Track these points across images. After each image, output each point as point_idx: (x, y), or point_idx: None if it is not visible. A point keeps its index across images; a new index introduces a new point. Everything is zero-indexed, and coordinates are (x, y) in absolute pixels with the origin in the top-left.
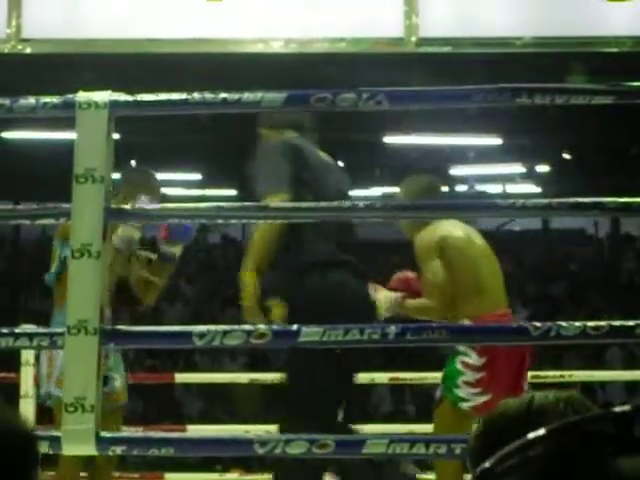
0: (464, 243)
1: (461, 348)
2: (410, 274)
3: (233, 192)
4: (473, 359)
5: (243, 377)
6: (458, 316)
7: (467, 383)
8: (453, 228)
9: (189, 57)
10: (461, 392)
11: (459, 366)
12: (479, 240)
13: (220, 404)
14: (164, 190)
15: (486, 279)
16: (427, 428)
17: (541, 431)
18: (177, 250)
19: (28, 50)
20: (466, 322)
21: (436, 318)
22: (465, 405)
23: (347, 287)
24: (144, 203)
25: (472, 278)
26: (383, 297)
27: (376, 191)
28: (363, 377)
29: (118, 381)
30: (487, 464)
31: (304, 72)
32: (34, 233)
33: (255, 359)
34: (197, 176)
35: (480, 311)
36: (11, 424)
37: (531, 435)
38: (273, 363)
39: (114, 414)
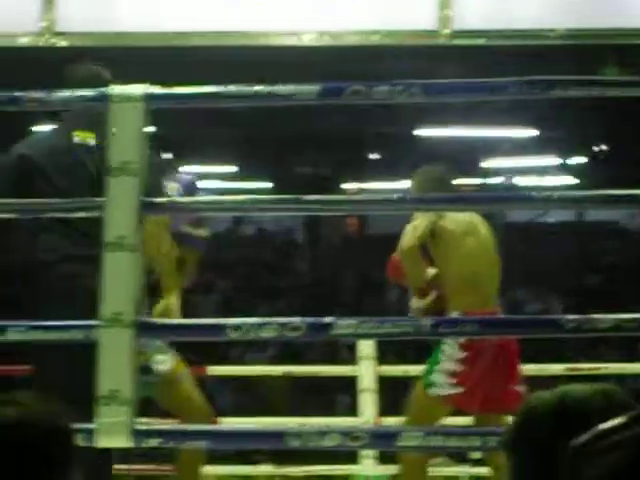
0: (459, 231)
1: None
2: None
3: (268, 185)
4: (454, 351)
5: (277, 370)
6: (448, 309)
7: (445, 372)
8: (455, 215)
9: (222, 50)
10: (436, 378)
11: (440, 354)
12: (483, 232)
13: (251, 397)
14: (200, 183)
15: (480, 273)
16: (460, 421)
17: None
18: (202, 233)
19: (62, 43)
20: (455, 315)
21: (412, 280)
22: (434, 391)
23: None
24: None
25: (465, 272)
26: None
27: (408, 184)
28: (396, 370)
29: (165, 364)
30: (581, 440)
31: (337, 65)
32: None
33: (283, 352)
34: (232, 168)
35: (470, 307)
36: (48, 418)
37: (628, 415)
38: (303, 356)
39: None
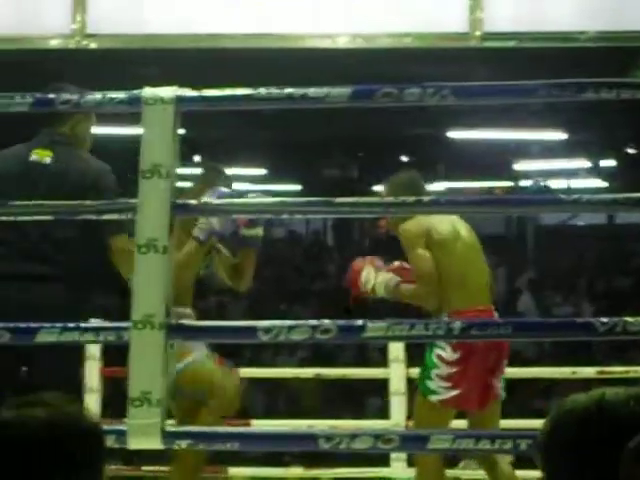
0: (449, 236)
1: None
2: (406, 265)
3: (297, 187)
4: (448, 353)
5: (308, 372)
6: (441, 310)
7: (439, 376)
8: (439, 221)
9: (254, 52)
10: (432, 384)
11: (434, 359)
12: (466, 234)
13: (282, 399)
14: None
15: (469, 274)
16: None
17: None
18: (258, 232)
19: (93, 45)
20: (445, 317)
21: (427, 304)
22: (434, 398)
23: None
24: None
25: (455, 272)
26: (382, 278)
27: (440, 186)
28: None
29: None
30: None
31: (369, 67)
32: None
33: (315, 354)
34: (262, 171)
35: (461, 306)
36: (77, 418)
37: None
38: (333, 358)
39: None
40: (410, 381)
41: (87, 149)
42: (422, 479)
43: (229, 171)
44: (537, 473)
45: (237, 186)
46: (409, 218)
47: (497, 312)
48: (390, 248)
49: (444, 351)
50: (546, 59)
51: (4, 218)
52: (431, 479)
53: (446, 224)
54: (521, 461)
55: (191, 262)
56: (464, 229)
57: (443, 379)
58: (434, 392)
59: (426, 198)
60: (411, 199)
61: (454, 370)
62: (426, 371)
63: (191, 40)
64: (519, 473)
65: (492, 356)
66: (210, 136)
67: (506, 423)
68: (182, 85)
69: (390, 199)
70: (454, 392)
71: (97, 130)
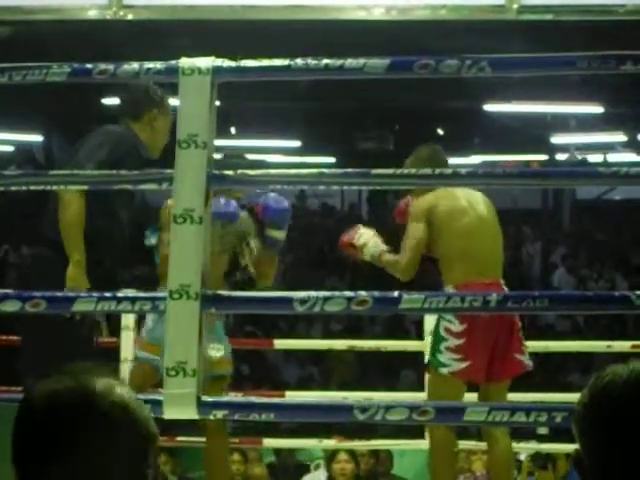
0: (453, 211)
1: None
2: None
3: (331, 159)
4: (455, 325)
5: (340, 344)
6: (445, 283)
7: (448, 349)
8: (446, 196)
9: (289, 24)
10: (442, 357)
11: (442, 332)
12: (479, 210)
13: (316, 370)
14: (264, 157)
15: (474, 248)
16: (525, 397)
17: None
18: (282, 235)
19: (129, 17)
20: (450, 289)
21: (400, 276)
22: (445, 370)
23: None
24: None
25: (458, 246)
26: (373, 242)
27: (476, 159)
28: None
29: (221, 351)
30: None
31: (404, 39)
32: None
33: (349, 326)
34: (296, 143)
35: (464, 279)
36: (111, 387)
37: None
38: (367, 330)
39: (214, 383)
40: None
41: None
42: (435, 451)
43: (262, 143)
44: (573, 446)
45: (271, 158)
46: (427, 191)
47: (529, 286)
48: None
49: (452, 324)
50: (583, 32)
51: (49, 187)
52: (443, 451)
53: (453, 199)
54: (558, 434)
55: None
56: (479, 205)
57: (452, 351)
58: (444, 365)
59: (463, 170)
60: (448, 171)
61: (462, 341)
62: (436, 344)
63: (226, 12)
64: (555, 446)
65: (495, 330)
66: (244, 107)
67: (541, 396)
68: (218, 56)
69: (427, 171)
70: (464, 364)
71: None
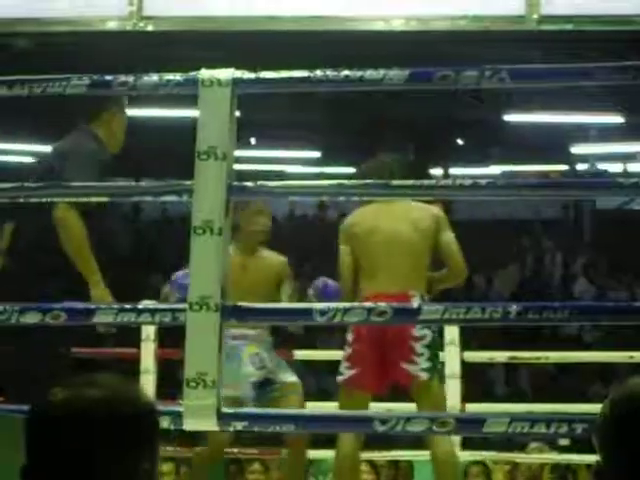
0: (366, 230)
1: None
2: None
3: (351, 170)
4: (349, 335)
5: None
6: (357, 297)
7: (344, 358)
8: (361, 217)
9: (308, 35)
10: (340, 367)
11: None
12: (393, 226)
13: (333, 381)
14: (284, 167)
15: (381, 265)
16: (545, 407)
17: None
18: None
19: (149, 28)
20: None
21: (343, 299)
22: (340, 378)
23: None
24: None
25: (368, 263)
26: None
27: (496, 169)
28: (480, 356)
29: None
30: None
31: (424, 50)
32: (155, 211)
33: None
34: (316, 154)
35: (373, 291)
36: (135, 399)
37: None
38: None
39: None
40: (465, 364)
41: (119, 144)
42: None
43: (283, 154)
44: (593, 457)
45: (290, 169)
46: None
47: (550, 296)
48: None
49: (348, 334)
50: (603, 43)
51: (68, 199)
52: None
53: (370, 218)
54: (577, 444)
55: None
56: (397, 221)
57: (345, 360)
58: (340, 374)
59: (483, 181)
60: (468, 182)
61: (350, 350)
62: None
63: (246, 22)
64: (576, 457)
65: (389, 338)
66: (265, 118)
67: (562, 407)
68: (238, 67)
69: (447, 182)
70: (352, 372)
71: (155, 112)
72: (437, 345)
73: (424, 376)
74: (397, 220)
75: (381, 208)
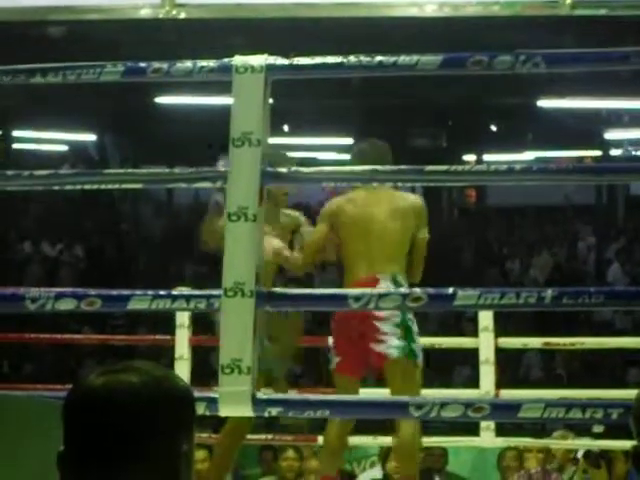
0: (354, 217)
1: None
2: None
3: None
4: (332, 324)
5: None
6: (344, 283)
7: (331, 347)
8: (354, 199)
9: (341, 21)
10: (329, 355)
11: None
12: (376, 212)
13: None
14: (316, 154)
15: (362, 249)
16: (580, 393)
17: None
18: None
19: (182, 15)
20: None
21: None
22: (331, 367)
23: None
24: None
25: (352, 248)
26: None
27: (529, 155)
28: (515, 342)
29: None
30: None
31: (457, 35)
32: (188, 197)
33: None
34: (349, 140)
35: (355, 277)
36: (172, 385)
37: None
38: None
39: None
40: (499, 350)
41: None
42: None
43: (315, 140)
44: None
45: (323, 155)
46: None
47: (583, 282)
48: (481, 217)
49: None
50: (638, 27)
51: (103, 186)
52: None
53: (355, 204)
54: (614, 429)
55: None
56: (380, 207)
57: (332, 348)
58: (329, 361)
59: (517, 166)
60: (503, 167)
61: (333, 338)
62: None
63: (278, 10)
64: (611, 443)
65: (355, 323)
66: (298, 105)
67: (598, 393)
68: (271, 53)
69: (482, 167)
70: (337, 359)
71: (186, 100)
72: (410, 325)
73: (394, 353)
74: (380, 205)
75: (364, 193)
